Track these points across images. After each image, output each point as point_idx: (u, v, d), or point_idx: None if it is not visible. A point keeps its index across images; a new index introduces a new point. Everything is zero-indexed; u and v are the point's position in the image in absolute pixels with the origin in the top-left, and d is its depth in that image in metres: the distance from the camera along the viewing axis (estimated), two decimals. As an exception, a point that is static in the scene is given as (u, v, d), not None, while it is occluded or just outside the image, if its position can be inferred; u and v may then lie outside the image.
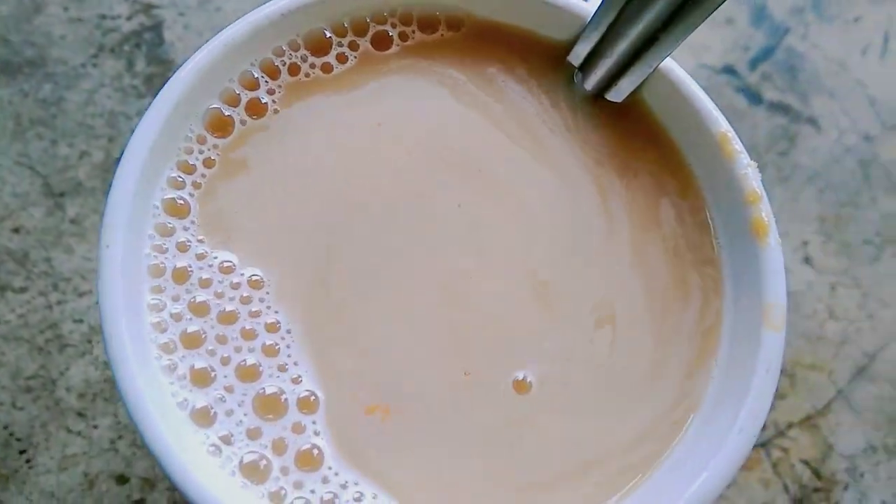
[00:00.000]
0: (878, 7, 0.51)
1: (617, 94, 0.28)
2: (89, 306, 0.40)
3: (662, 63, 0.26)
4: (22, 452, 0.38)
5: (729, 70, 0.49)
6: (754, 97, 0.48)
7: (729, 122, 0.46)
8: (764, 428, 0.42)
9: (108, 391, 0.39)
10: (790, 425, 0.42)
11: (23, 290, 0.40)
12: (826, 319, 0.44)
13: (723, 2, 0.23)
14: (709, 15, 0.23)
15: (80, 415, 0.39)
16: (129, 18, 0.46)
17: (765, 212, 0.25)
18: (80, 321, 0.40)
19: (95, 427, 0.39)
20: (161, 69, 0.45)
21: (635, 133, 0.28)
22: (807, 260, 0.45)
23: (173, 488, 0.38)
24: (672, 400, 0.25)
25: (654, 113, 0.28)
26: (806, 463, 0.41)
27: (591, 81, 0.28)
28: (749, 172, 0.25)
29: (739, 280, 0.25)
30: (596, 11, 0.26)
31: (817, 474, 0.41)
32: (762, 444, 0.41)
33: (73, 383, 0.39)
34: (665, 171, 0.28)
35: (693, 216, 0.27)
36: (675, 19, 0.24)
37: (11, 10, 0.46)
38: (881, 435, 0.42)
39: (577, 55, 0.28)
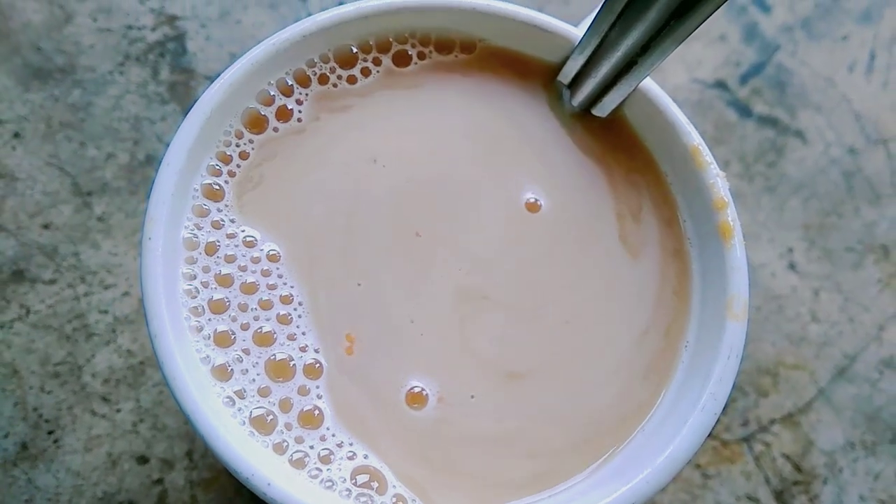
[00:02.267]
0: (864, 26, 0.53)
1: (601, 109, 0.30)
2: (114, 298, 0.42)
3: (642, 83, 0.29)
4: (50, 433, 0.39)
5: (720, 84, 0.50)
6: (744, 110, 0.50)
7: (719, 133, 0.49)
8: (746, 423, 0.43)
9: (131, 378, 0.41)
10: (772, 421, 0.43)
11: (52, 282, 0.42)
12: (809, 322, 0.45)
13: (692, 31, 0.26)
14: (681, 42, 0.26)
15: (105, 399, 0.40)
16: (153, 29, 0.48)
17: (731, 217, 0.28)
18: (105, 312, 0.42)
19: (118, 411, 0.40)
20: (184, 77, 0.47)
21: (618, 144, 0.31)
22: (791, 266, 0.47)
23: (191, 468, 0.39)
24: (646, 377, 0.27)
25: (634, 127, 0.31)
26: (787, 457, 0.43)
27: (578, 98, 0.30)
28: (718, 182, 0.28)
29: (707, 275, 0.28)
30: (582, 37, 0.29)
31: (798, 468, 0.43)
32: (745, 439, 0.43)
33: (99, 370, 0.41)
34: (643, 178, 0.30)
35: (668, 218, 0.30)
36: (651, 45, 0.27)
37: (43, 19, 0.47)
38: (859, 432, 0.44)
39: (566, 75, 0.30)
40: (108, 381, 0.41)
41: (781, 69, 0.51)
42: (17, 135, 0.45)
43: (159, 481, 0.39)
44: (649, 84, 0.29)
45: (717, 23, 0.52)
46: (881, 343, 0.46)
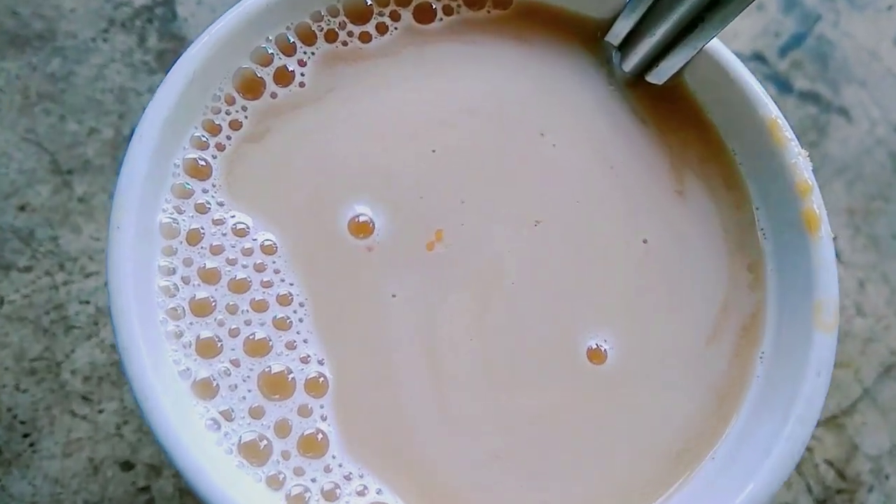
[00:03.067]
0: None
1: (657, 76, 0.26)
2: (96, 287, 0.40)
3: (708, 44, 0.25)
4: (26, 436, 0.37)
5: (758, 57, 0.48)
6: (784, 85, 0.48)
7: None
8: None
9: (115, 375, 0.38)
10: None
11: (28, 269, 0.40)
12: (853, 316, 0.43)
13: None
14: None
15: (86, 399, 0.38)
16: None
17: (816, 204, 0.24)
18: (87, 302, 0.39)
19: (101, 411, 0.38)
20: (173, 45, 0.45)
21: (677, 117, 0.27)
22: (835, 254, 0.44)
23: (179, 475, 0.37)
24: (712, 395, 0.23)
25: (696, 96, 0.27)
26: (830, 463, 0.41)
27: (631, 62, 0.27)
28: (800, 161, 0.24)
29: (785, 274, 0.24)
30: None
31: (841, 475, 0.41)
32: None
33: (79, 366, 0.39)
34: (706, 158, 0.26)
35: (736, 205, 0.26)
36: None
37: None
38: None
39: (616, 35, 0.27)
40: (90, 379, 0.38)
41: (823, 41, 0.49)
42: None
43: (146, 489, 0.37)
44: (717, 46, 0.25)
45: (755, -10, 0.50)
46: (931, 339, 0.43)
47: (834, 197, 0.46)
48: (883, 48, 0.49)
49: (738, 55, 0.47)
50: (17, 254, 0.40)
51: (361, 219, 0.24)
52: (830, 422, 0.41)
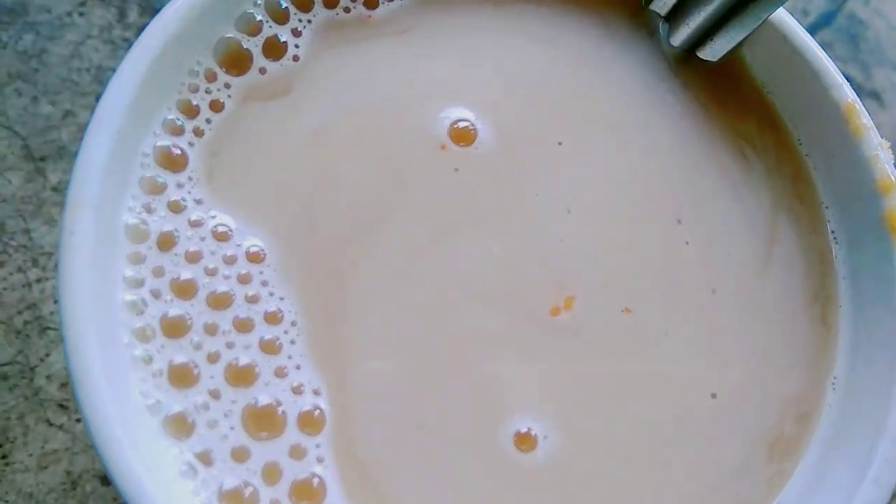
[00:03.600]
0: None
1: (711, 51, 0.23)
2: None
3: (772, 15, 0.21)
4: None
5: None
6: None
7: None
8: None
9: None
10: None
11: None
12: None
13: None
14: None
15: (62, 407, 0.36)
16: None
17: None
18: None
19: (79, 421, 0.36)
20: None
21: (733, 99, 0.24)
22: None
23: None
24: (776, 430, 0.20)
25: (756, 75, 0.24)
26: None
27: (680, 36, 0.23)
28: (881, 154, 0.21)
29: (863, 285, 0.21)
30: None
31: None
32: None
33: (55, 371, 0.37)
34: (766, 147, 0.23)
35: (802, 203, 0.22)
36: None
37: None
38: None
39: (664, 3, 0.23)
40: (67, 385, 0.36)
41: (854, 20, 0.47)
42: None
43: None
44: (783, 17, 0.22)
45: (783, -34, 0.47)
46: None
47: None
48: None
49: None
50: None
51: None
52: None
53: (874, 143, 0.21)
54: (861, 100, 0.44)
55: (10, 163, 0.38)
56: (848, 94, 0.21)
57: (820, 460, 0.20)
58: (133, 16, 0.43)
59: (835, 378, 0.20)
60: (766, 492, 0.19)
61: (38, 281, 0.37)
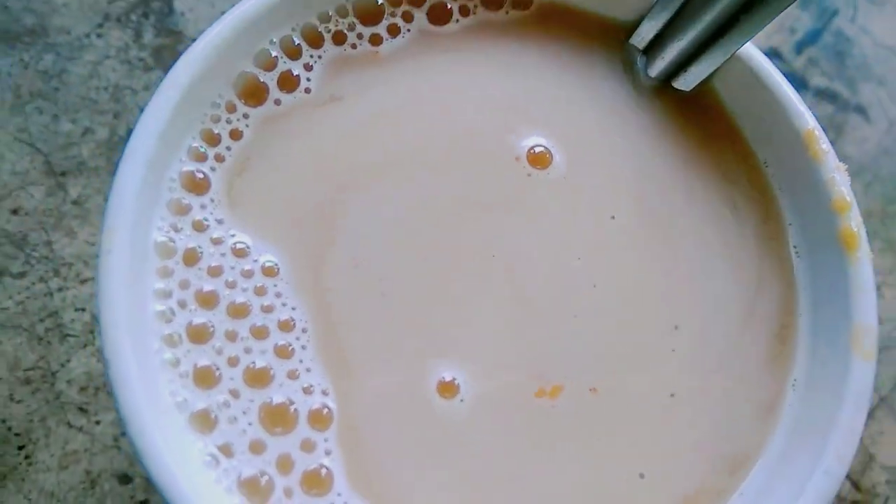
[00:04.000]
0: None
1: (685, 82, 0.25)
2: (92, 294, 0.39)
3: (740, 49, 0.24)
4: (20, 448, 0.37)
5: (773, 53, 0.47)
6: (800, 83, 0.47)
7: None
8: None
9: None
10: None
11: (21, 275, 0.39)
12: None
13: None
14: None
15: (82, 409, 0.38)
16: None
17: (854, 222, 0.22)
18: (83, 310, 0.39)
19: (98, 423, 0.37)
20: (170, 41, 0.44)
21: (704, 126, 0.26)
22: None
23: None
24: (743, 426, 0.22)
25: (726, 104, 0.26)
26: (846, 475, 0.40)
27: (657, 67, 0.25)
28: (837, 177, 0.23)
29: (821, 296, 0.23)
30: None
31: (856, 486, 0.40)
32: None
33: (75, 376, 0.38)
34: (736, 170, 0.25)
35: (767, 221, 0.24)
36: (757, 2, 0.22)
37: None
38: None
39: (642, 38, 0.25)
40: (86, 389, 0.38)
41: (840, 37, 0.49)
42: None
43: (144, 503, 0.37)
44: (751, 50, 0.24)
45: (771, -16, 0.49)
46: (950, 345, 0.43)
47: None
48: None
49: None
50: (10, 259, 0.39)
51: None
52: None
53: (832, 167, 0.23)
54: (847, 114, 0.47)
55: (33, 178, 0.40)
56: (809, 121, 0.23)
57: (781, 453, 0.22)
58: (148, 37, 0.44)
59: (795, 380, 0.22)
60: (728, 481, 0.21)
61: (59, 290, 0.39)
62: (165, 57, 0.44)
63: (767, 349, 0.23)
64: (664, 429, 0.22)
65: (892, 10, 0.49)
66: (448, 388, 0.22)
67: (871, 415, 0.41)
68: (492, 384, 0.22)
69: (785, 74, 0.46)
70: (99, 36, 0.44)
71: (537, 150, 0.24)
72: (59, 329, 0.39)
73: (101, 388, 0.38)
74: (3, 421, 0.37)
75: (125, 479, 0.37)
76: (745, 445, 0.22)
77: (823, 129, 0.45)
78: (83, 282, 0.39)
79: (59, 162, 0.41)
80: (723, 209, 0.24)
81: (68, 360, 0.38)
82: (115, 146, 0.42)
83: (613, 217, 0.24)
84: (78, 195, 0.41)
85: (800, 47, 0.48)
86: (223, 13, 0.41)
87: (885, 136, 0.46)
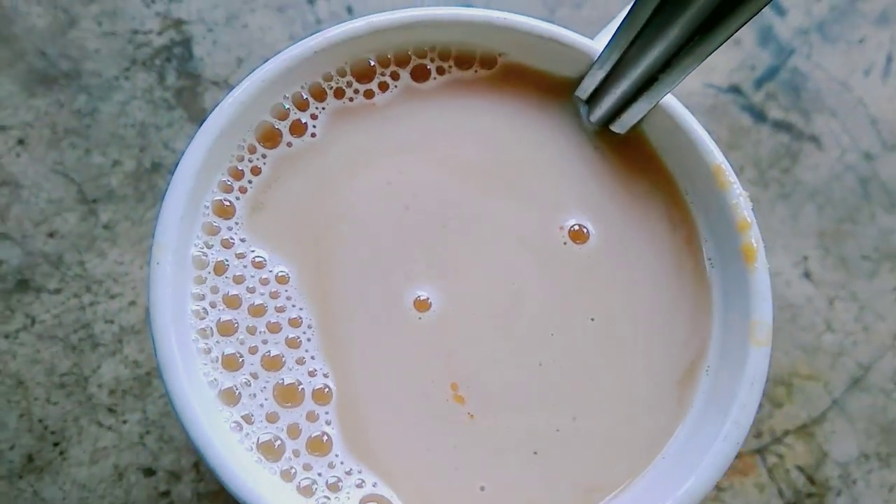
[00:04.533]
0: (882, 29, 0.52)
1: (620, 126, 0.30)
2: (120, 308, 0.42)
3: (662, 99, 0.28)
4: (56, 445, 0.39)
5: (735, 89, 0.49)
6: (759, 115, 0.49)
7: (733, 139, 0.48)
8: (760, 435, 0.43)
9: (137, 388, 0.40)
10: (786, 433, 0.43)
11: (57, 291, 0.42)
12: (823, 332, 0.45)
13: (718, 47, 0.25)
14: (706, 58, 0.25)
15: (111, 410, 0.40)
16: (160, 34, 0.47)
17: (754, 238, 0.27)
18: (111, 322, 0.41)
19: (125, 422, 0.40)
20: (190, 83, 0.46)
21: (636, 162, 0.30)
22: (806, 274, 0.46)
23: (197, 480, 0.39)
24: (666, 403, 0.27)
25: (653, 144, 0.30)
26: (800, 469, 0.43)
27: (597, 114, 0.30)
28: (741, 202, 0.27)
29: (729, 298, 0.28)
30: (602, 52, 0.28)
31: (811, 480, 0.42)
32: (758, 451, 0.43)
33: (105, 380, 0.41)
34: (662, 198, 0.30)
35: (687, 239, 0.29)
36: (674, 62, 0.26)
37: (47, 24, 0.47)
38: (874, 443, 0.43)
39: (585, 90, 0.30)
40: (115, 392, 0.41)
41: (796, 73, 0.50)
42: (21, 141, 0.45)
43: (166, 493, 0.39)
44: (670, 100, 0.29)
45: (732, 26, 0.51)
46: (897, 353, 0.45)
47: (805, 220, 0.47)
48: (853, 79, 0.50)
49: (716, 87, 0.50)
50: (47, 277, 0.42)
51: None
52: (802, 431, 0.43)
53: (736, 194, 0.27)
54: (802, 143, 0.49)
55: (67, 205, 0.43)
56: (717, 157, 0.28)
57: (696, 423, 0.26)
58: (171, 79, 0.46)
59: (708, 366, 0.27)
60: (654, 445, 0.26)
61: (91, 305, 0.41)
62: (186, 97, 0.46)
63: (687, 340, 0.28)
64: (601, 392, 0.27)
65: (844, 46, 0.51)
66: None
67: (824, 416, 0.43)
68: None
69: (745, 107, 0.49)
70: (127, 79, 0.46)
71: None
72: (91, 339, 0.41)
73: (127, 392, 0.40)
74: (41, 421, 0.40)
75: (149, 472, 0.39)
76: (669, 416, 0.27)
77: (780, 157, 0.48)
78: (112, 297, 0.42)
79: (90, 191, 0.43)
80: (657, 227, 0.29)
81: (99, 367, 0.41)
82: (141, 176, 0.44)
83: (565, 243, 0.29)
84: (108, 220, 0.43)
85: (759, 83, 0.50)
86: (239, 59, 0.45)
87: (836, 163, 0.48)
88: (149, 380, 0.41)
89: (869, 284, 0.46)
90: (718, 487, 0.42)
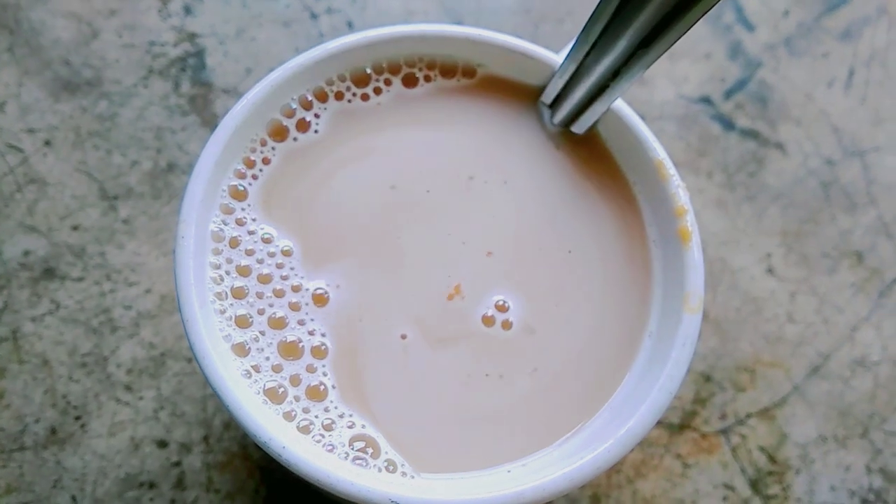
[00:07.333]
0: (845, 44, 0.56)
1: (578, 126, 0.34)
2: (137, 295, 0.44)
3: (613, 103, 0.33)
4: (77, 419, 0.41)
5: (705, 100, 0.53)
6: (727, 124, 0.52)
7: (703, 145, 0.52)
8: (725, 417, 0.46)
9: (153, 368, 0.43)
10: (749, 415, 0.46)
11: (80, 279, 0.44)
12: (785, 323, 0.48)
13: (657, 59, 0.30)
14: (647, 68, 0.30)
15: (128, 388, 0.42)
16: (175, 45, 0.51)
17: (689, 222, 0.31)
18: (129, 307, 0.44)
19: (141, 399, 0.42)
20: (203, 90, 0.49)
21: (592, 158, 0.34)
22: (770, 270, 0.49)
23: (207, 452, 0.42)
24: (614, 360, 0.31)
25: (607, 142, 0.34)
26: (762, 449, 0.45)
27: (558, 117, 0.34)
28: (679, 192, 0.32)
29: (668, 273, 0.32)
30: (562, 63, 0.33)
31: (772, 459, 0.45)
32: (723, 431, 0.46)
33: (123, 361, 0.43)
34: (614, 188, 0.34)
35: (634, 223, 0.33)
36: (621, 71, 0.31)
37: (72, 36, 0.50)
38: (832, 426, 0.46)
39: (548, 96, 0.34)
40: (132, 371, 0.42)
41: (764, 85, 0.54)
42: (48, 143, 0.47)
43: (178, 464, 0.41)
44: (620, 105, 0.33)
45: (704, 41, 0.55)
46: (853, 343, 0.48)
47: (770, 220, 0.50)
48: (817, 91, 0.54)
49: (688, 98, 0.54)
50: (70, 266, 0.44)
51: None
52: (764, 414, 0.46)
53: (675, 185, 0.32)
54: (767, 150, 0.54)
55: (90, 201, 0.46)
56: (659, 153, 0.32)
57: (637, 378, 0.31)
58: (186, 87, 0.49)
59: (651, 332, 0.32)
60: (600, 396, 0.31)
61: (111, 291, 0.44)
62: (199, 103, 0.49)
63: (633, 308, 0.32)
64: (561, 351, 0.30)
65: (810, 60, 0.55)
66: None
67: (785, 401, 0.46)
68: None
69: (715, 117, 0.54)
70: (144, 86, 0.49)
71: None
72: (110, 323, 0.43)
73: (144, 371, 0.42)
74: (64, 396, 0.41)
75: (163, 444, 0.41)
76: (614, 373, 0.31)
77: (747, 162, 0.52)
78: (130, 285, 0.44)
79: (111, 188, 0.46)
80: (610, 213, 0.34)
81: (117, 348, 0.43)
82: (158, 175, 0.46)
83: (519, 223, 0.33)
84: (127, 215, 0.45)
85: (729, 94, 0.53)
86: (248, 69, 0.48)
87: (799, 168, 0.52)
88: (163, 360, 0.43)
89: (828, 280, 0.49)
90: (686, 464, 0.45)
